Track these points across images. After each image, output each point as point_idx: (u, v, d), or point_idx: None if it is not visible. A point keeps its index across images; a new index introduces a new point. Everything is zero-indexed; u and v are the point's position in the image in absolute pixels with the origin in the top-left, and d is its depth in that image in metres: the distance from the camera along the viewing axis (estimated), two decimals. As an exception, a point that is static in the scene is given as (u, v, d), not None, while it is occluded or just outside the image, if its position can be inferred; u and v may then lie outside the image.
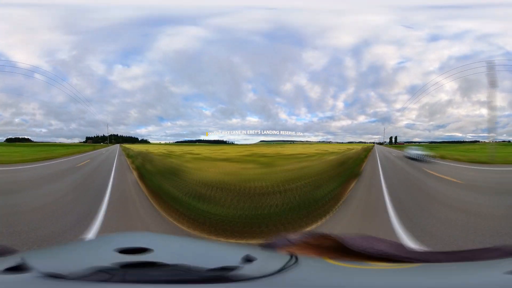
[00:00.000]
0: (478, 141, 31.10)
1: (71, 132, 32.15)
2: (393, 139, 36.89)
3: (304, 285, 0.85)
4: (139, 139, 36.10)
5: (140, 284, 0.78)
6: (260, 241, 1.38)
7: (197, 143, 33.66)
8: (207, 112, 32.29)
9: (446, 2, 17.10)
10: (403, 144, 34.53)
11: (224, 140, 33.91)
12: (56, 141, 31.36)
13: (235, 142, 33.16)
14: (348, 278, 0.90)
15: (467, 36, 19.81)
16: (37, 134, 30.47)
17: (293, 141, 36.56)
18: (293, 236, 1.28)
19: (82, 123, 32.07)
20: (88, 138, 36.44)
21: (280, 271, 0.87)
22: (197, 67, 28.53)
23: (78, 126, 32.58)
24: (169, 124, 35.06)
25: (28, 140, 31.75)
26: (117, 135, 37.33)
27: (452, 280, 0.88)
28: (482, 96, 22.50)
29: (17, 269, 0.86)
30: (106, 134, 35.20)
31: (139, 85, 30.29)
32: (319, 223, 5.04)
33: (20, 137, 30.37)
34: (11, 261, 0.91)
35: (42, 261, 0.95)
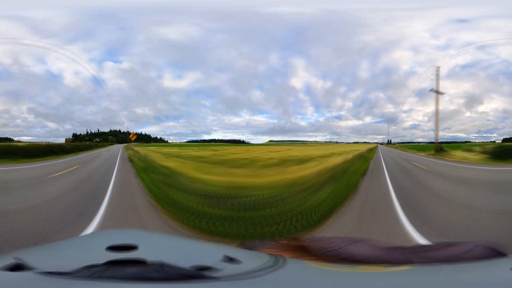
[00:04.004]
0: (470, 141, 34.79)
1: (67, 133, 29.00)
2: (390, 141, 47.54)
3: (287, 285, 0.87)
4: (152, 137, 31.30)
5: (120, 281, 0.81)
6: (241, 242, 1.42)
7: (211, 143, 32.38)
8: (211, 111, 30.91)
9: (462, 15, 19.35)
10: (395, 144, 46.32)
11: (229, 139, 33.10)
12: (56, 142, 28.33)
13: (251, 142, 32.71)
14: (331, 281, 0.93)
15: (470, 47, 22.50)
16: (35, 134, 27.74)
17: (304, 141, 37.27)
18: (271, 240, 1.34)
19: (76, 123, 28.88)
20: (74, 136, 30.23)
21: (262, 270, 0.89)
22: (203, 61, 27.29)
23: (73, 126, 29.32)
24: (171, 123, 32.67)
25: (10, 140, 28.76)
26: (119, 130, 30.97)
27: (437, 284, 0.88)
28: (485, 102, 25.47)
29: (15, 268, 0.87)
30: (106, 131, 29.92)
31: (137, 82, 28.20)
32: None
33: (3, 137, 27.42)
34: (5, 261, 0.91)
35: (39, 259, 0.96)
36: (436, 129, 20.24)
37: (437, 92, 18.82)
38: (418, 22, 20.64)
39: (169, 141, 31.97)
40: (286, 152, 21.29)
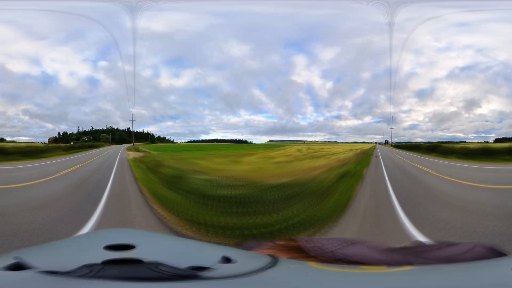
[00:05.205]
0: (465, 141, 36.36)
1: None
2: (387, 141, 50.81)
3: (281, 285, 0.87)
4: (156, 136, 29.21)
5: (117, 281, 0.80)
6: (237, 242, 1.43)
7: (214, 143, 31.41)
8: (209, 110, 29.77)
9: (466, 20, 20.56)
10: (391, 144, 49.46)
11: (230, 139, 32.44)
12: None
13: (252, 142, 32.19)
14: (328, 280, 0.93)
15: (469, 49, 23.89)
16: (32, 135, 25.78)
17: (303, 141, 37.28)
18: (268, 240, 1.35)
19: (71, 124, 26.88)
20: (63, 134, 25.09)
21: (257, 271, 0.89)
22: (199, 57, 26.26)
23: (69, 127, 27.18)
24: (169, 123, 31.12)
25: (3, 140, 26.65)
26: (116, 128, 27.39)
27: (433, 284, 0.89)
28: (483, 103, 26.94)
29: (15, 268, 0.87)
30: (102, 128, 26.88)
31: (131, 81, 26.75)
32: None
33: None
34: (6, 260, 0.91)
35: (38, 259, 0.96)
36: (390, 138, 32.02)
37: (391, 128, 32.11)
38: (421, 26, 21.66)
39: (175, 141, 29.77)
40: (341, 148, 27.90)
